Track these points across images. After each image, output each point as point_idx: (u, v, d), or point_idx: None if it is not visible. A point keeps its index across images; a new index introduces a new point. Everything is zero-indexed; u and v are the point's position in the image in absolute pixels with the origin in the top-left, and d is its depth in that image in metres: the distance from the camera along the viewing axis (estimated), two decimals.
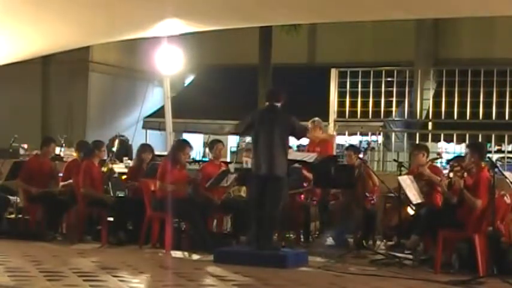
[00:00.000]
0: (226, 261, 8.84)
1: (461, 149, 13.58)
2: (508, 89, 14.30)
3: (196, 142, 17.67)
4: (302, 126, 9.58)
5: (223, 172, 10.76)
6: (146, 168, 11.07)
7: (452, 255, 8.93)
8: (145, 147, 11.61)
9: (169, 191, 10.01)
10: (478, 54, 20.09)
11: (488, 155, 12.58)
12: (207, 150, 18.32)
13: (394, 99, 15.17)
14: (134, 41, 14.89)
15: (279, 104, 9.36)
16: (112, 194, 11.58)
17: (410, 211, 9.96)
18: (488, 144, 14.67)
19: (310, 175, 10.62)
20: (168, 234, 9.95)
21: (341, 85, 14.67)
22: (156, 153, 11.94)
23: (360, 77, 14.81)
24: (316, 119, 11.69)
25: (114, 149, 14.65)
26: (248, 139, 12.62)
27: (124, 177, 11.73)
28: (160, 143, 17.89)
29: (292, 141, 10.74)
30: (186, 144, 10.72)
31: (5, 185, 11.88)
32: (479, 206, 8.65)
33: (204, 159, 14.05)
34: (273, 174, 9.08)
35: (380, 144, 15.78)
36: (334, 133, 14.00)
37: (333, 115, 14.27)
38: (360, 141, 15.47)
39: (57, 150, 13.90)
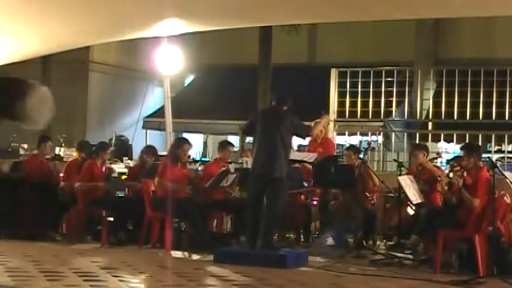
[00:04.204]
0: (226, 261, 8.84)
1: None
2: (508, 89, 14.27)
3: (196, 142, 17.67)
4: (304, 125, 9.56)
5: (223, 172, 10.77)
6: (146, 168, 11.07)
7: (452, 255, 8.92)
8: (149, 149, 11.62)
9: (169, 190, 10.01)
10: (478, 54, 20.08)
11: (488, 155, 12.63)
12: (207, 150, 18.40)
13: (394, 99, 15.15)
14: (134, 41, 14.86)
15: (285, 108, 9.38)
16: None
17: (410, 211, 9.96)
18: (488, 144, 14.68)
19: (310, 167, 10.61)
20: (168, 234, 9.95)
21: (341, 85, 14.66)
22: None
23: (360, 77, 14.79)
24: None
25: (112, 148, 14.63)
26: (248, 139, 12.60)
27: (124, 177, 11.74)
28: (160, 143, 17.87)
29: (293, 142, 10.72)
30: (184, 141, 10.74)
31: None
32: (477, 205, 8.65)
33: (204, 159, 14.05)
34: (273, 175, 9.08)
35: (380, 144, 15.77)
36: (334, 134, 13.99)
37: (333, 115, 14.25)
38: (360, 141, 15.46)
39: (57, 150, 13.89)
